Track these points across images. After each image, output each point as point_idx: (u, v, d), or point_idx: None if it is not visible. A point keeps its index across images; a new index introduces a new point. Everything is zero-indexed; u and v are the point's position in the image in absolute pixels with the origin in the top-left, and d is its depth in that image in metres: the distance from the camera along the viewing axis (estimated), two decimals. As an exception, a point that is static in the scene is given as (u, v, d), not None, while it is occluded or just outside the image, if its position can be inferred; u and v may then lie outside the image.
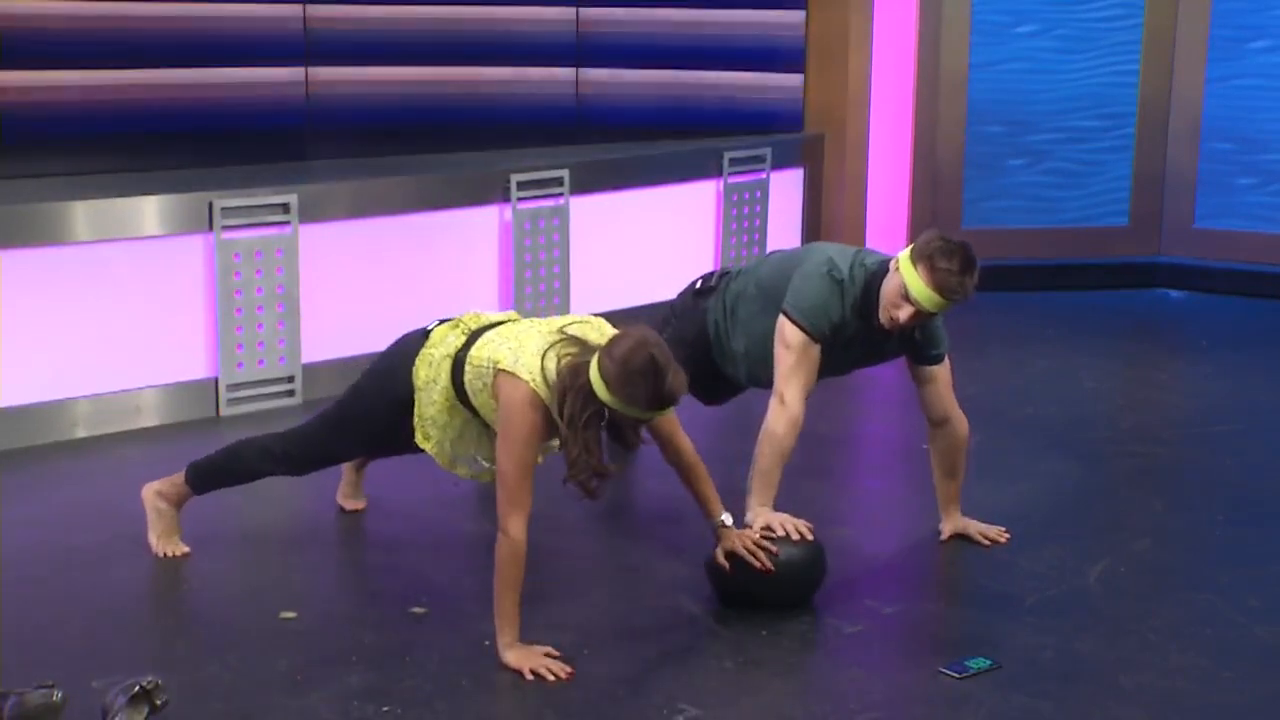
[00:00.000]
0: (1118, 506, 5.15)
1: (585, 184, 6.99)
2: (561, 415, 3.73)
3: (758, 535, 4.14)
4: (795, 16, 7.95)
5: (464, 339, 4.06)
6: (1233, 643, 4.03)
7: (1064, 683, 3.78)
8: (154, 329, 5.81)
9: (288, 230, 6.03)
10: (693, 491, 4.15)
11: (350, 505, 4.86)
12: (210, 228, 5.85)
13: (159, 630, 4.16)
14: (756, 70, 7.94)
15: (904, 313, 4.28)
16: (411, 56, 7.16)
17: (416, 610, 4.13)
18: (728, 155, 7.58)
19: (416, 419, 4.11)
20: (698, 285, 4.89)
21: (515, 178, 6.70)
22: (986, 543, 4.64)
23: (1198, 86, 8.42)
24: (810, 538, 4.19)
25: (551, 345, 3.81)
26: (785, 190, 7.93)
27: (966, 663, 3.85)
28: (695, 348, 4.74)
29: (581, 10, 7.58)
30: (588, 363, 3.71)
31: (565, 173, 6.87)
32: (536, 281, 6.83)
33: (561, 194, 6.87)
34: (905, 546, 4.47)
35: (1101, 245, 8.61)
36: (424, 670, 3.78)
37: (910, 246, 4.33)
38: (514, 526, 3.75)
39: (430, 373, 4.07)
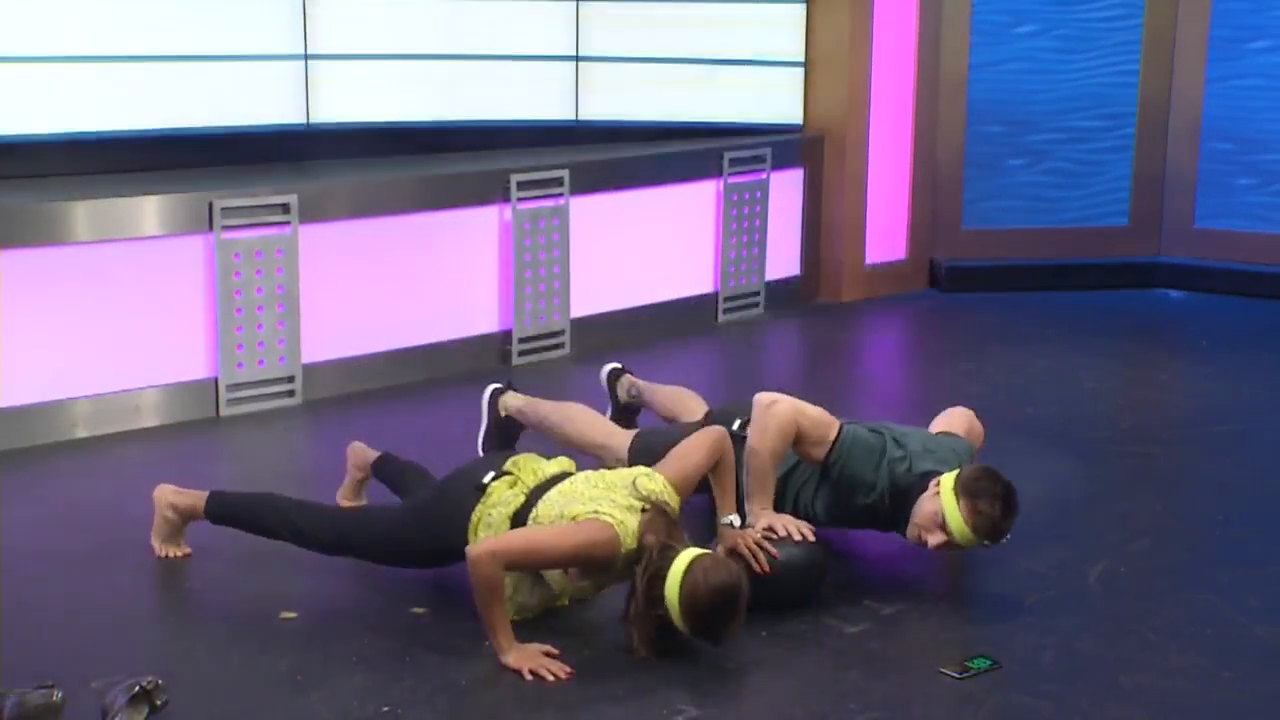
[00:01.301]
0: (1118, 506, 5.15)
1: (585, 184, 6.99)
2: (640, 583, 3.76)
3: (759, 535, 4.14)
4: (795, 16, 7.94)
5: (523, 497, 4.04)
6: (1233, 643, 4.03)
7: (1064, 683, 3.78)
8: (154, 329, 5.81)
9: (288, 230, 6.03)
10: (713, 484, 4.21)
11: (351, 505, 4.86)
12: (210, 228, 5.85)
13: (159, 630, 4.16)
14: (756, 70, 7.93)
15: (934, 539, 4.21)
16: (412, 59, 7.16)
17: (416, 610, 4.13)
18: (728, 155, 7.58)
19: None
20: (735, 428, 4.60)
21: (515, 178, 6.70)
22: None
23: (1198, 86, 8.42)
24: (811, 539, 4.20)
25: (642, 509, 3.85)
26: (785, 190, 7.93)
27: (966, 663, 3.85)
28: None
29: (581, 12, 7.57)
30: (678, 552, 3.75)
31: (565, 173, 6.87)
32: (536, 281, 6.82)
33: (561, 194, 6.87)
34: (905, 546, 4.47)
35: (1101, 245, 8.61)
36: (424, 670, 3.78)
37: (958, 474, 4.20)
38: (489, 564, 3.74)
39: (490, 534, 4.00)
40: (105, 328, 5.69)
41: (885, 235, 8.31)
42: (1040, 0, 8.37)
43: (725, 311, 7.70)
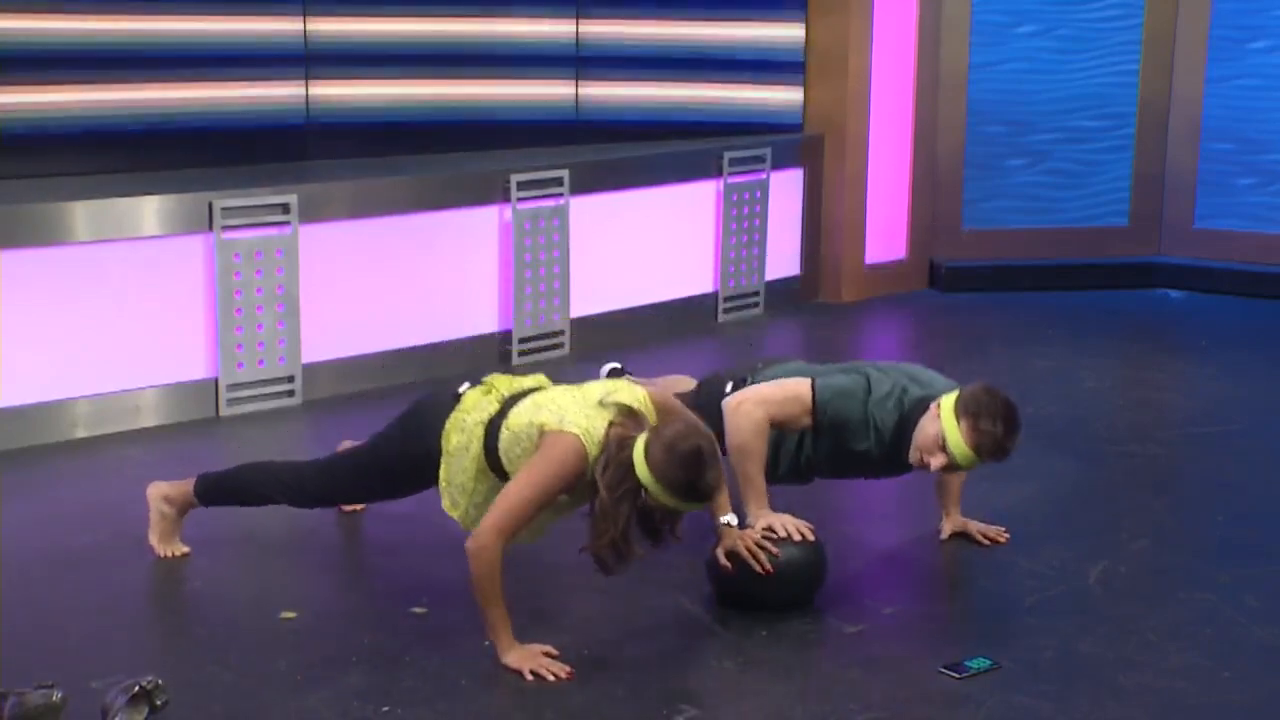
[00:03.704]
0: (1118, 506, 5.15)
1: (585, 184, 6.99)
2: (600, 482, 3.73)
3: (758, 535, 4.14)
4: (796, 17, 7.94)
5: (497, 406, 4.03)
6: (1233, 643, 4.04)
7: (1064, 683, 3.79)
8: (154, 329, 5.81)
9: (288, 230, 6.03)
10: None
11: (350, 505, 4.86)
12: (210, 228, 5.85)
13: (159, 630, 4.17)
14: (757, 71, 7.94)
15: (936, 461, 4.18)
16: (411, 67, 7.17)
17: (416, 610, 4.14)
18: (728, 155, 7.58)
19: (443, 484, 4.05)
20: (727, 390, 4.56)
21: (515, 178, 6.70)
22: (986, 543, 4.64)
23: (1198, 86, 8.43)
24: (811, 538, 4.19)
25: (602, 410, 3.83)
26: (785, 190, 7.93)
27: (966, 663, 3.85)
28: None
29: (581, 21, 7.57)
30: (634, 438, 3.74)
31: (565, 173, 6.87)
32: (536, 281, 6.82)
33: (561, 194, 6.87)
34: (905, 546, 4.48)
35: (1101, 245, 8.62)
36: (424, 670, 3.78)
37: (956, 394, 4.18)
38: (493, 543, 3.72)
39: (462, 439, 4.02)
40: (105, 328, 5.69)
41: (885, 235, 8.31)
42: (1040, 0, 8.37)
43: (725, 311, 7.70)
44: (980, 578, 4.49)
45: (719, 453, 3.79)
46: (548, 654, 3.79)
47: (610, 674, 3.78)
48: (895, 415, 4.28)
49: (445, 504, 4.08)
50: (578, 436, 3.77)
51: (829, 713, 3.61)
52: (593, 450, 3.78)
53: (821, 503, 4.86)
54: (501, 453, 3.94)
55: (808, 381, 4.37)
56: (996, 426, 4.10)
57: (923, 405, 4.25)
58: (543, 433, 3.82)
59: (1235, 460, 5.62)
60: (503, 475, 3.98)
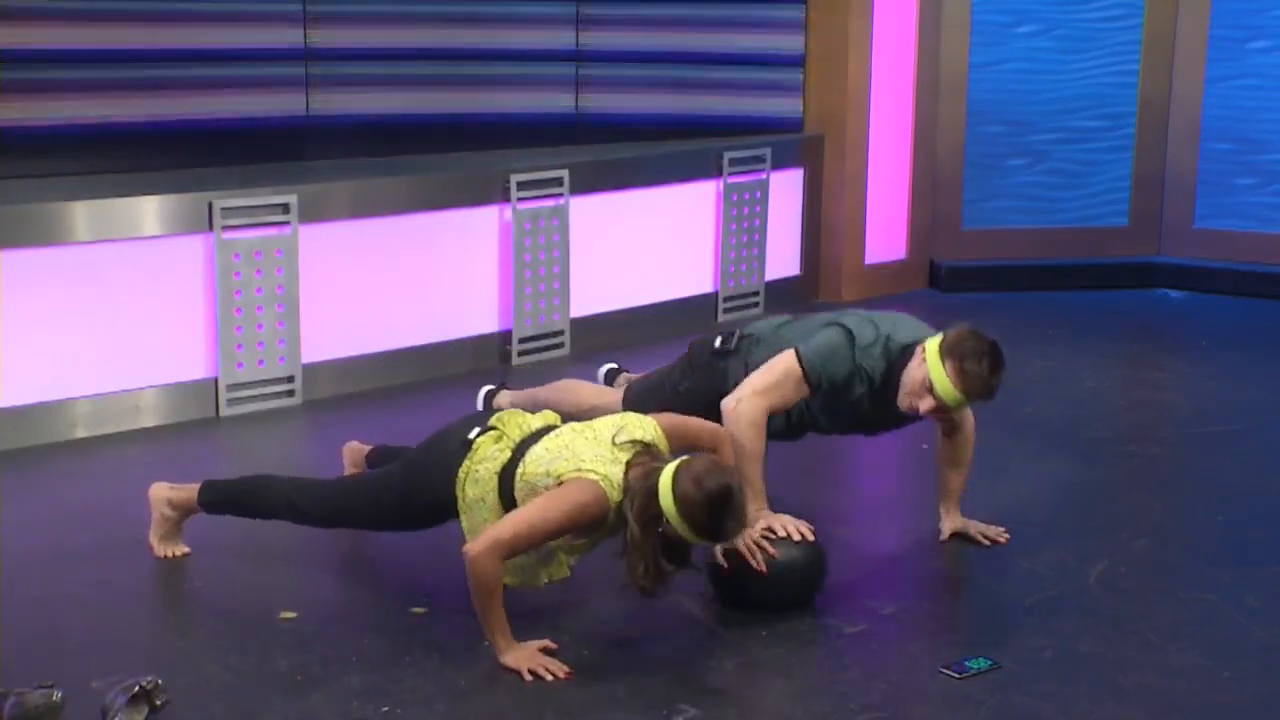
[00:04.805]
0: (1118, 506, 5.15)
1: (585, 184, 6.99)
2: (630, 514, 3.74)
3: (758, 535, 4.14)
4: (795, 16, 7.94)
5: (509, 452, 4.01)
6: (1233, 643, 4.04)
7: (1064, 683, 3.79)
8: (154, 329, 5.81)
9: (288, 230, 6.03)
10: None
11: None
12: (210, 228, 5.85)
13: (159, 630, 4.16)
14: (756, 70, 7.94)
15: (925, 404, 4.20)
16: (412, 67, 7.17)
17: (416, 610, 4.14)
18: (728, 155, 7.58)
19: (468, 533, 4.00)
20: (716, 345, 4.65)
21: (515, 178, 6.70)
22: (986, 543, 4.64)
23: (1198, 86, 8.43)
24: (811, 539, 4.20)
25: (618, 451, 3.84)
26: (785, 190, 7.94)
27: (966, 663, 3.85)
28: (713, 406, 4.65)
29: (581, 11, 7.58)
30: (660, 468, 3.74)
31: (565, 173, 6.87)
32: (536, 281, 6.82)
33: (561, 194, 6.87)
34: (905, 546, 4.48)
35: (1101, 245, 8.62)
36: (424, 670, 3.79)
37: (941, 337, 4.21)
38: (490, 557, 3.73)
39: (478, 490, 4.00)
40: (105, 328, 5.69)
41: (885, 235, 8.31)
42: (1040, 0, 8.37)
43: (725, 311, 7.70)
44: (980, 578, 4.49)
45: (745, 499, 3.80)
46: (545, 649, 3.79)
47: (610, 674, 3.78)
48: (883, 363, 4.32)
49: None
50: (597, 483, 3.77)
51: (829, 713, 3.62)
52: (614, 495, 3.78)
53: (821, 503, 4.86)
54: (519, 504, 3.92)
55: (793, 354, 4.37)
56: (982, 366, 4.14)
57: (909, 351, 4.28)
58: (560, 483, 3.83)
59: (1235, 460, 5.62)
60: None
